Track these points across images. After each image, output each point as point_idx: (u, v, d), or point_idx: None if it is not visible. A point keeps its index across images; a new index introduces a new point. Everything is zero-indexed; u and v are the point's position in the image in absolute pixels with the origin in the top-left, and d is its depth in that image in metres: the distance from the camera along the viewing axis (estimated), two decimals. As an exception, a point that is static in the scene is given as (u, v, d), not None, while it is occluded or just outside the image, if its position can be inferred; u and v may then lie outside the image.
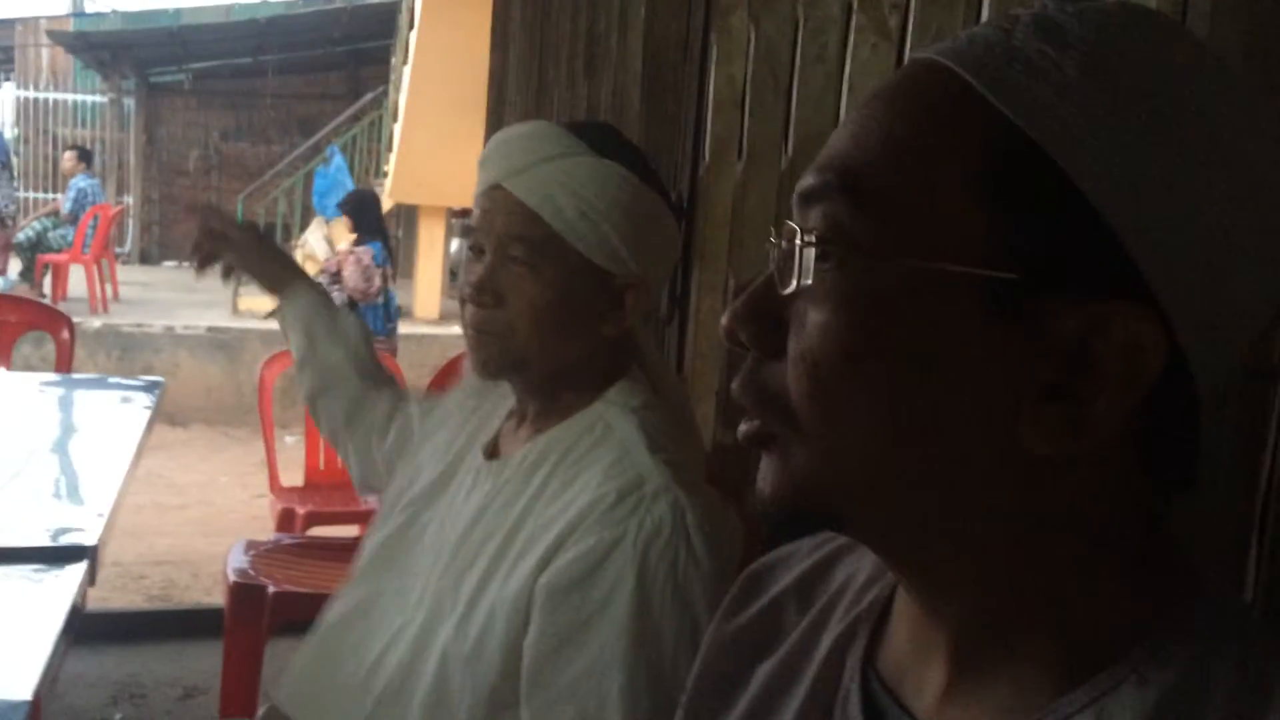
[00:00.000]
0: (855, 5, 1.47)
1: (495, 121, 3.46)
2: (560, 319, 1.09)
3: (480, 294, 1.09)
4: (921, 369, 0.48)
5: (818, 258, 0.50)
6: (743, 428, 0.54)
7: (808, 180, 0.52)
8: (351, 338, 1.43)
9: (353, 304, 5.56)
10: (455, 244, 8.95)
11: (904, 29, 1.38)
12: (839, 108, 1.51)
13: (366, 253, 5.73)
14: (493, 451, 1.19)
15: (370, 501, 2.36)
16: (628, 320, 1.11)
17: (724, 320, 0.53)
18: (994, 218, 0.47)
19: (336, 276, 5.70)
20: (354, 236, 6.03)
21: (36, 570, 1.33)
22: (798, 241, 0.50)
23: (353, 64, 12.70)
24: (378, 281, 5.73)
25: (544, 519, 1.04)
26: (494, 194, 1.10)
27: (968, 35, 0.51)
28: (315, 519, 3.00)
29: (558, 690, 0.97)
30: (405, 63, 8.46)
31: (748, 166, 1.67)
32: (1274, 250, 0.48)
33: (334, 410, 1.42)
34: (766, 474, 0.53)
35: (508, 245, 1.08)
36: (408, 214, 10.82)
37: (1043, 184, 0.46)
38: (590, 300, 1.10)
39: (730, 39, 1.70)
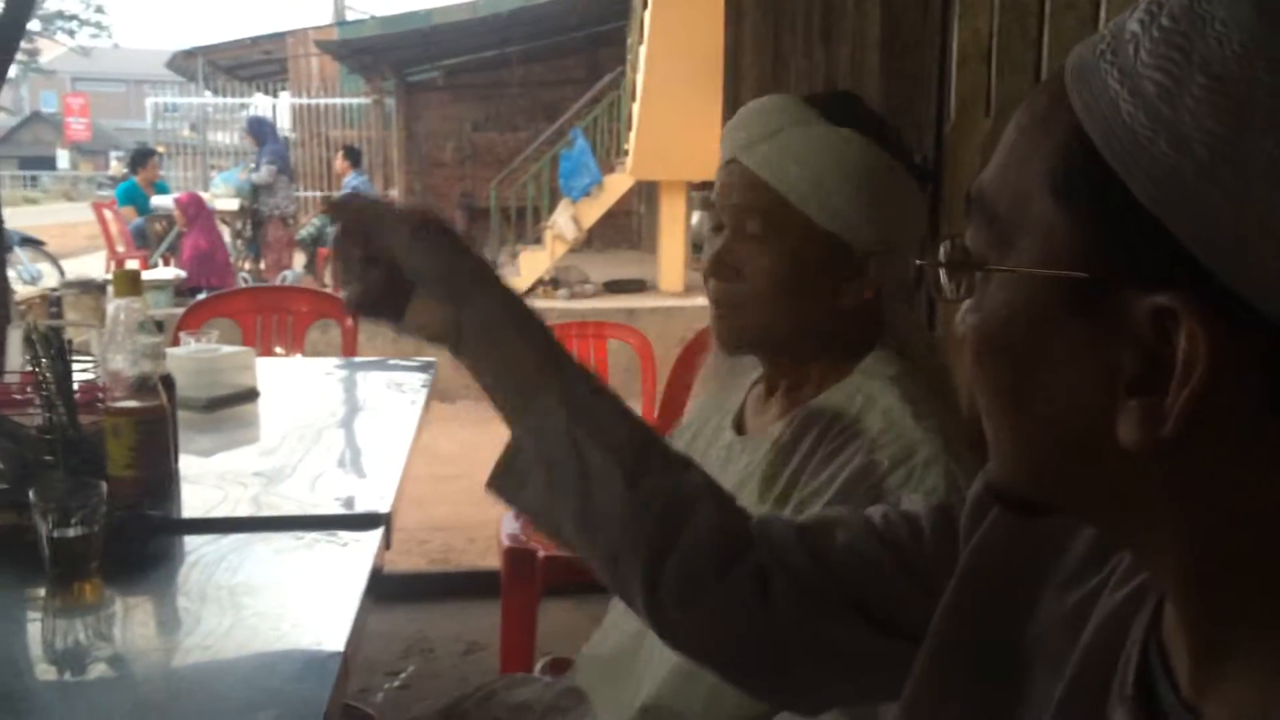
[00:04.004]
0: (1109, -57, 1.39)
1: (731, 95, 3.47)
2: (797, 290, 1.08)
3: (719, 268, 1.10)
4: (1028, 369, 0.50)
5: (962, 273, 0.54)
6: None
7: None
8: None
9: None
10: (696, 217, 9.04)
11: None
12: (1094, 55, 1.43)
13: None
14: (740, 426, 1.18)
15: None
16: (868, 291, 1.09)
17: None
18: (1066, 217, 0.47)
19: None
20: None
21: (339, 535, 1.41)
22: (942, 259, 0.55)
23: (590, 48, 12.99)
24: None
25: (810, 489, 1.03)
26: (730, 168, 1.10)
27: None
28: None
29: None
30: (641, 42, 8.58)
31: (997, 123, 1.61)
32: None
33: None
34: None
35: (744, 219, 1.09)
36: (649, 190, 11.01)
37: (1099, 179, 0.45)
38: (827, 271, 1.08)
39: (973, -9, 1.64)
